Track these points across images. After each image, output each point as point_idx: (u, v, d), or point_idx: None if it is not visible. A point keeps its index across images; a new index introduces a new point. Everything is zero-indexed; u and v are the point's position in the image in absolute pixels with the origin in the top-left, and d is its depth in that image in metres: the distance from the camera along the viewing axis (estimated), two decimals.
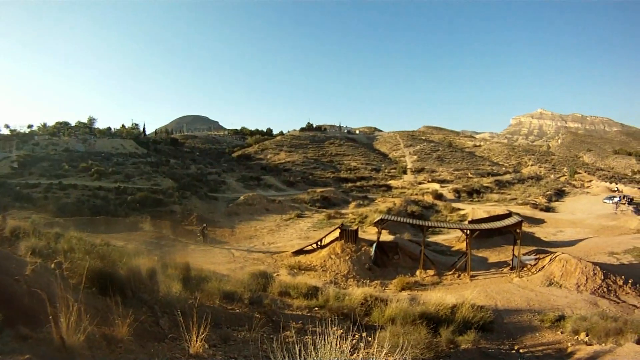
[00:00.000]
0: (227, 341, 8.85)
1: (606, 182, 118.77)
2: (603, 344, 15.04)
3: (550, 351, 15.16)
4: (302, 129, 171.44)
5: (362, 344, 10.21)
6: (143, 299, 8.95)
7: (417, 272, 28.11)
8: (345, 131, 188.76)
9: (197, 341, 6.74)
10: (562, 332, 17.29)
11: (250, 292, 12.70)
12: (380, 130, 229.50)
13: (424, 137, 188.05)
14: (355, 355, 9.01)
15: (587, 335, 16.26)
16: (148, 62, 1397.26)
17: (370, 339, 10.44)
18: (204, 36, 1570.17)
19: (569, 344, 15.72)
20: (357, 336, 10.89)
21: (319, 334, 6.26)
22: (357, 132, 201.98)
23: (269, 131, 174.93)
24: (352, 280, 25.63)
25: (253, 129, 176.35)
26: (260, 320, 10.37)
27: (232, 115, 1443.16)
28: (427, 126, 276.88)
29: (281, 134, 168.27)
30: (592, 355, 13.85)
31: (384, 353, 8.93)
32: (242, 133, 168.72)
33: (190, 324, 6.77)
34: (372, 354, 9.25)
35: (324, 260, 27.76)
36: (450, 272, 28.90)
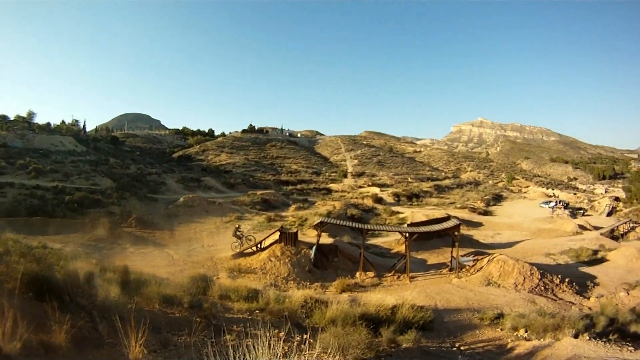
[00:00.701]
0: (167, 346, 8.75)
1: (543, 187, 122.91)
2: (542, 339, 15.59)
3: (491, 347, 15.52)
4: (244, 131, 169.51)
5: (303, 346, 10.24)
6: (81, 304, 8.74)
7: (357, 274, 28.39)
8: (287, 134, 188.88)
9: (136, 346, 6.63)
10: (501, 329, 17.89)
11: (190, 295, 12.49)
12: (322, 134, 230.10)
13: (365, 142, 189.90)
14: (295, 357, 9.01)
15: (526, 332, 16.91)
16: (90, 57, 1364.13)
17: (311, 340, 10.45)
18: (147, 36, 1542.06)
19: (509, 340, 16.21)
20: (297, 338, 10.93)
21: (259, 337, 6.24)
22: (299, 135, 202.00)
23: (211, 132, 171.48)
24: (292, 282, 25.65)
25: (195, 129, 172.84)
26: (200, 324, 10.26)
27: (174, 114, 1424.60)
28: (369, 131, 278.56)
29: (223, 135, 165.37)
30: (531, 350, 14.27)
31: (317, 353, 8.97)
32: (184, 133, 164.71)
33: (129, 329, 6.66)
34: (314, 356, 9.27)
35: (264, 263, 27.67)
36: (390, 274, 29.25)
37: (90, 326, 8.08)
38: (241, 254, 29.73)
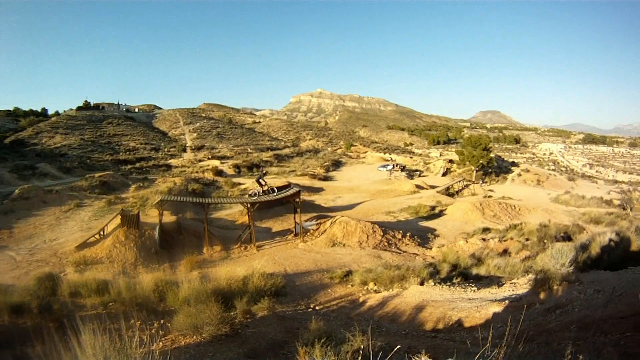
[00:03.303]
0: None
1: (381, 153, 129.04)
2: (390, 290, 16.72)
3: (344, 303, 16.52)
4: (79, 108, 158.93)
5: (162, 332, 10.33)
6: None
7: (204, 250, 28.63)
8: (124, 109, 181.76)
9: None
10: (352, 285, 19.14)
11: (38, 299, 11.91)
12: (160, 108, 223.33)
13: (204, 115, 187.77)
14: (155, 345, 9.12)
15: (375, 285, 18.03)
16: None
17: (168, 324, 10.56)
18: None
19: (360, 295, 17.35)
20: (155, 324, 10.97)
21: (116, 330, 6.30)
22: (137, 110, 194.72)
23: (44, 111, 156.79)
24: (141, 267, 25.23)
25: (27, 109, 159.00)
26: (52, 329, 9.98)
27: (4, 92, 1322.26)
28: (208, 103, 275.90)
29: (57, 114, 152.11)
30: (382, 301, 15.33)
31: (173, 336, 9.18)
32: (15, 114, 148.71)
33: None
34: (171, 340, 9.47)
35: (109, 251, 26.80)
36: (236, 246, 29.86)
37: None
38: (85, 244, 28.65)
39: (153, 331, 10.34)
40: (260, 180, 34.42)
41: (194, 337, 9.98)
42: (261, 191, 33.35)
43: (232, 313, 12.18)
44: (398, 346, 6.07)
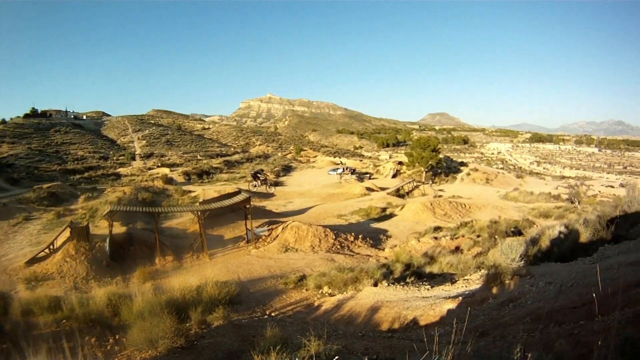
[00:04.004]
0: None
1: (330, 157, 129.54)
2: (345, 293, 16.86)
3: (300, 308, 16.60)
4: (26, 116, 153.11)
5: (117, 347, 10.26)
6: None
7: (156, 260, 28.34)
8: (72, 117, 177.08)
9: None
10: (306, 290, 19.33)
11: None
12: (109, 115, 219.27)
13: (153, 122, 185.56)
14: None
15: (329, 288, 18.24)
16: None
17: (124, 340, 10.48)
18: None
19: (315, 299, 17.49)
20: (111, 340, 10.88)
21: (69, 349, 6.26)
22: (85, 117, 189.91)
23: None
24: (93, 281, 24.64)
25: None
26: (4, 351, 9.80)
27: None
28: (157, 110, 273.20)
29: (3, 122, 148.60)
30: (337, 304, 15.45)
31: (128, 352, 9.14)
32: None
33: None
34: (129, 356, 9.44)
35: (60, 266, 26.13)
36: (188, 255, 29.60)
37: None
38: (35, 260, 28.00)
39: (108, 347, 10.24)
40: (259, 174, 34.58)
41: (150, 351, 9.78)
42: (259, 183, 33.59)
43: (187, 324, 11.97)
44: (336, 357, 6.20)
